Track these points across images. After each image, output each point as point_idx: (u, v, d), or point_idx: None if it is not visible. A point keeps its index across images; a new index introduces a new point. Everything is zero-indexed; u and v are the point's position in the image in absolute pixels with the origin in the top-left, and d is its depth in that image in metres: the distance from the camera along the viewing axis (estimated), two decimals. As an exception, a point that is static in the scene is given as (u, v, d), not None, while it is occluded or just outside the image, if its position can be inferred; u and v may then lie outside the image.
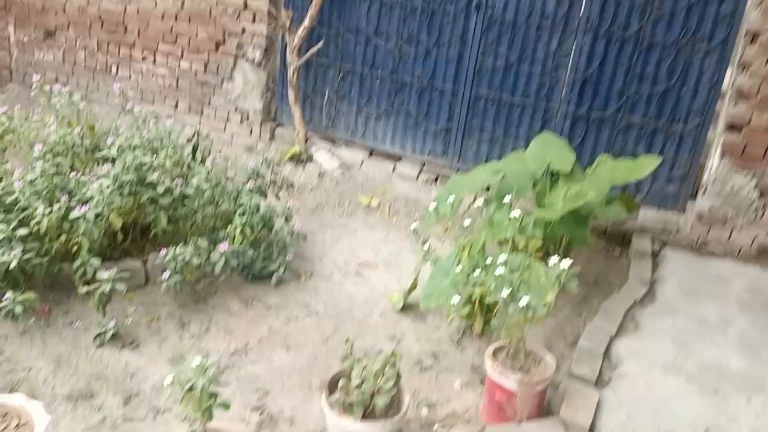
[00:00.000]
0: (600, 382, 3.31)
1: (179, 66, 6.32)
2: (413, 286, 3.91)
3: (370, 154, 5.95)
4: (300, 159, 5.83)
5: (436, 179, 5.69)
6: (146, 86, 6.57)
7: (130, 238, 4.02)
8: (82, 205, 3.50)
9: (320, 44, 5.65)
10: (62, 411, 2.91)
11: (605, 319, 3.80)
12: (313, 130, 6.08)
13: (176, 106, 6.48)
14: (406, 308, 3.92)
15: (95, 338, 3.35)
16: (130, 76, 6.61)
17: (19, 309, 3.21)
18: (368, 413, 2.71)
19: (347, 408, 2.69)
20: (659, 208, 5.02)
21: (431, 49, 5.45)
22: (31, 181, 3.61)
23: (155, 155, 3.99)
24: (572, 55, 5.01)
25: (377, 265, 4.43)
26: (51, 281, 3.64)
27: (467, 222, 3.45)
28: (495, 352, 3.10)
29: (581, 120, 5.11)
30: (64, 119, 4.32)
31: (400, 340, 3.67)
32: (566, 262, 2.83)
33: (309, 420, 3.01)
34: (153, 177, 3.77)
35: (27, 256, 3.38)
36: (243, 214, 3.93)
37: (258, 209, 4.01)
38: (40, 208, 3.41)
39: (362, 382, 2.65)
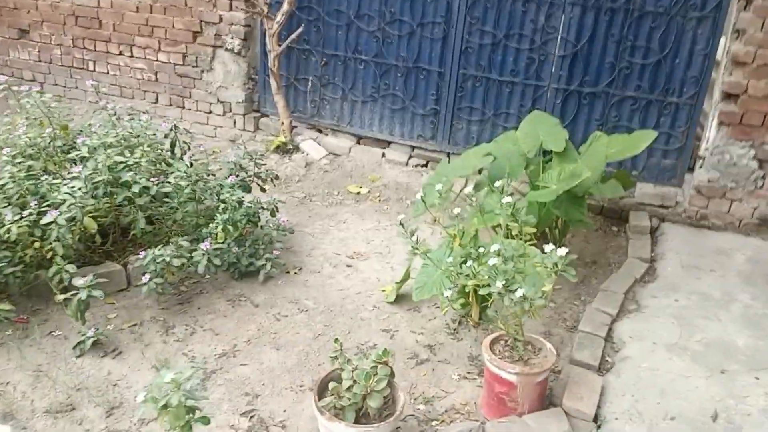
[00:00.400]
0: (603, 367, 3.20)
1: (157, 59, 6.14)
2: (406, 277, 3.77)
3: (358, 141, 5.79)
4: (286, 149, 5.66)
5: (426, 164, 5.54)
6: (125, 81, 6.38)
7: (111, 241, 3.89)
8: (55, 209, 3.34)
9: (300, 29, 5.45)
10: (42, 426, 2.78)
11: (605, 300, 3.69)
12: (298, 119, 5.91)
13: (156, 100, 6.30)
14: (400, 299, 3.79)
15: (75, 347, 3.20)
16: (107, 71, 6.42)
17: (-7, 321, 3.08)
18: (361, 416, 2.58)
19: (339, 412, 2.56)
20: (656, 183, 4.89)
21: (415, 30, 5.27)
22: (1, 187, 3.46)
23: (131, 153, 3.82)
24: (561, 29, 4.84)
25: (369, 256, 4.29)
26: (27, 290, 3.50)
27: (457, 210, 3.30)
28: (493, 343, 2.97)
29: (573, 96, 4.96)
30: (36, 120, 4.14)
31: (395, 333, 3.54)
32: (563, 250, 2.68)
33: (301, 423, 2.88)
34: (128, 176, 3.60)
35: (-1, 265, 3.23)
36: (225, 210, 3.78)
37: (241, 204, 3.87)
38: (9, 215, 3.25)
39: (353, 384, 2.52)
